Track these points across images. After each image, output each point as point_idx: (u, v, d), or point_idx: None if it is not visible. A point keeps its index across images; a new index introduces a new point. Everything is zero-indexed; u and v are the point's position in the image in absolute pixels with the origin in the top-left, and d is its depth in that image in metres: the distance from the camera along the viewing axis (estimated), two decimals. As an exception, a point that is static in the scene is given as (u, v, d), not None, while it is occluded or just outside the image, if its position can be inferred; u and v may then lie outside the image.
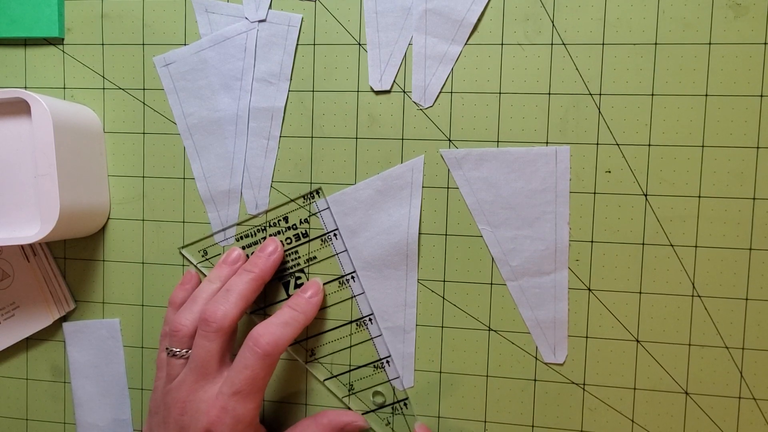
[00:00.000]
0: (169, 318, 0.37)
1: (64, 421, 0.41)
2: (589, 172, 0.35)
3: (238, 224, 0.38)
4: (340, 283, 0.38)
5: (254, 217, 0.38)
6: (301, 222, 0.38)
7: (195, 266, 0.39)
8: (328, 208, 0.37)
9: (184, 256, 0.39)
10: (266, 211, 0.38)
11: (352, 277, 0.38)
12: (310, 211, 0.38)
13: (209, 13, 0.38)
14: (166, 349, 0.34)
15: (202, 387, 0.32)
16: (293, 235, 0.38)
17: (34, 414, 0.42)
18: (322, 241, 0.38)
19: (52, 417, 0.42)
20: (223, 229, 0.39)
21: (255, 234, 0.38)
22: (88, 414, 0.41)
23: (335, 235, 0.37)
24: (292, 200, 0.38)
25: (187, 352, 0.34)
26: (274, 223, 0.38)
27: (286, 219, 0.38)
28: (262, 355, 0.32)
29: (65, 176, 0.34)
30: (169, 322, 0.37)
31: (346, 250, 0.37)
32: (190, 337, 0.34)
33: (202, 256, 0.39)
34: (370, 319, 0.38)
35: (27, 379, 0.42)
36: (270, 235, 0.38)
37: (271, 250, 0.36)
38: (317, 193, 0.38)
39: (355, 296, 0.38)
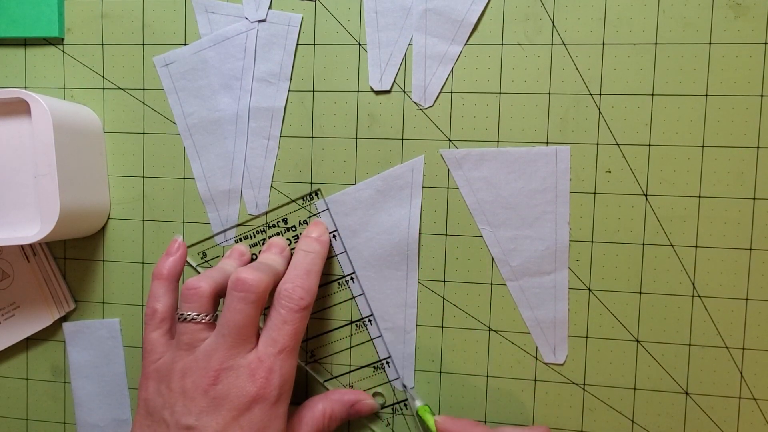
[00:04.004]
0: (157, 293, 0.34)
1: (64, 421, 0.41)
2: (589, 172, 0.35)
3: (237, 226, 0.38)
4: (339, 284, 0.38)
5: (254, 218, 0.38)
6: (300, 223, 0.38)
7: (194, 268, 0.39)
8: (328, 209, 0.37)
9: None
10: (266, 213, 0.38)
11: (352, 279, 0.38)
12: (309, 212, 0.38)
13: (209, 13, 0.38)
14: (180, 315, 0.32)
15: (239, 353, 0.30)
16: (293, 237, 0.38)
17: (34, 414, 0.42)
18: (322, 241, 0.38)
19: (52, 417, 0.42)
20: (222, 231, 0.39)
21: (255, 235, 0.38)
22: (88, 414, 0.41)
23: (335, 236, 0.37)
24: (293, 200, 0.38)
25: (207, 316, 0.32)
26: (274, 224, 0.38)
27: (285, 220, 0.38)
28: (299, 309, 0.31)
29: (65, 176, 0.34)
30: (157, 297, 0.34)
31: (346, 251, 0.37)
32: (209, 299, 0.32)
33: (202, 258, 0.39)
34: (369, 320, 0.38)
35: (27, 379, 0.42)
36: (269, 236, 0.38)
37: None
38: (316, 194, 0.38)
39: (354, 297, 0.38)
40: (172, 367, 0.31)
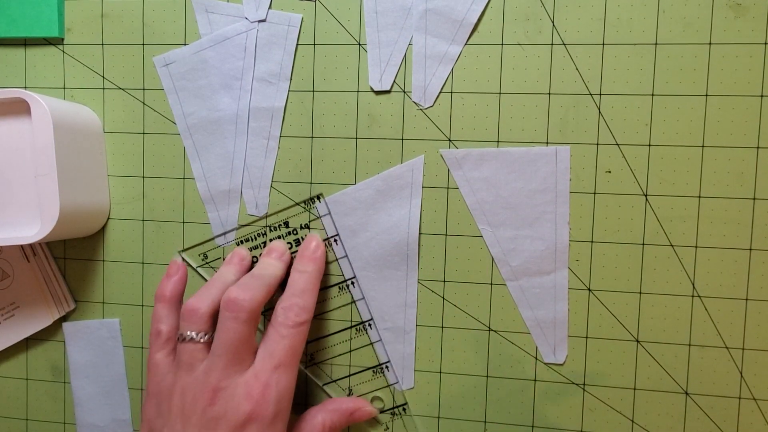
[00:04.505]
0: (160, 314, 0.34)
1: (64, 421, 0.41)
2: (589, 172, 0.35)
3: (238, 228, 0.38)
4: (340, 288, 0.38)
5: (256, 220, 0.38)
6: (301, 227, 0.38)
7: (195, 269, 0.39)
8: (329, 213, 0.37)
9: (183, 259, 0.39)
10: (266, 216, 0.38)
11: (352, 283, 0.38)
12: (310, 216, 0.38)
13: (209, 13, 0.38)
14: (180, 335, 0.32)
15: (236, 372, 0.31)
16: (294, 240, 0.38)
17: (34, 414, 0.42)
18: (322, 242, 0.38)
19: (52, 417, 0.42)
20: (223, 233, 0.39)
21: (255, 238, 0.38)
22: (88, 414, 0.41)
23: (335, 240, 0.37)
24: (296, 203, 0.38)
25: (206, 335, 0.32)
26: (275, 227, 0.38)
27: (286, 224, 0.38)
28: (295, 324, 0.32)
29: (65, 176, 0.34)
30: (160, 319, 0.34)
31: (346, 256, 0.37)
32: (207, 319, 0.32)
33: (202, 259, 0.39)
34: (369, 324, 0.37)
35: (27, 379, 0.42)
36: (270, 239, 0.38)
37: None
38: (318, 198, 0.38)
39: (354, 301, 0.38)
40: (173, 388, 0.32)
